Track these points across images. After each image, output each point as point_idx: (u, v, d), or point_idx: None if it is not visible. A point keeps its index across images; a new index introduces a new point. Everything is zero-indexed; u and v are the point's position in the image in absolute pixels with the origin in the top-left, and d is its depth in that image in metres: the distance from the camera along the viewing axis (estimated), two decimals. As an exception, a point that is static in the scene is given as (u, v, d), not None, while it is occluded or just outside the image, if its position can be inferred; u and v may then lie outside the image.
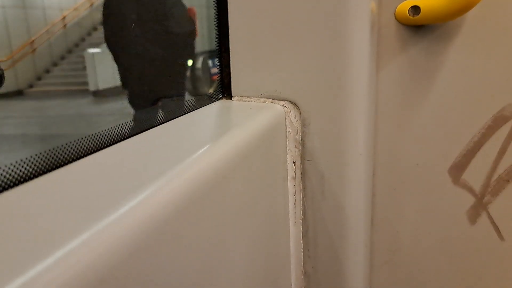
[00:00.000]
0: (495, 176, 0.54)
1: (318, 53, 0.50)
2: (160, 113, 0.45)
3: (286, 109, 0.53)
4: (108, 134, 0.40)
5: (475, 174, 0.55)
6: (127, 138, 0.41)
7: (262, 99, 0.56)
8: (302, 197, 0.57)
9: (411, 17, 0.50)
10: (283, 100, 0.54)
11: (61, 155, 0.34)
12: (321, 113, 0.52)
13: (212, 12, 0.56)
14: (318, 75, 0.51)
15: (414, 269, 0.62)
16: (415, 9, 0.50)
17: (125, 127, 0.41)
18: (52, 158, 0.33)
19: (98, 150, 0.37)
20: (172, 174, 0.31)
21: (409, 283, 0.63)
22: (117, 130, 0.40)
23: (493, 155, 0.53)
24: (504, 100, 0.51)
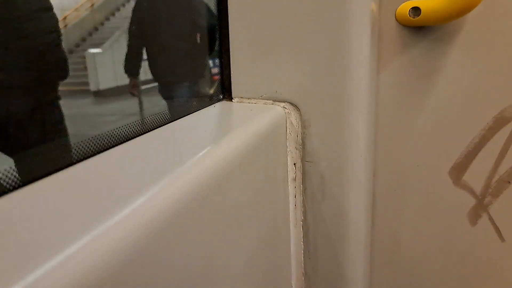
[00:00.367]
0: (496, 177, 0.54)
1: (319, 55, 0.50)
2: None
3: (286, 110, 0.53)
4: (115, 134, 0.40)
5: (476, 175, 0.55)
6: (128, 139, 0.41)
7: (263, 101, 0.56)
8: (303, 199, 0.57)
9: (411, 18, 0.50)
10: (284, 101, 0.54)
11: (62, 156, 0.34)
12: (321, 115, 0.52)
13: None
14: (318, 77, 0.51)
15: (414, 270, 0.62)
16: (416, 10, 0.50)
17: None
18: (53, 159, 0.33)
19: (99, 152, 0.37)
20: (173, 176, 0.31)
21: (410, 284, 0.63)
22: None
23: (494, 156, 0.53)
24: (504, 101, 0.51)
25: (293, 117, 0.53)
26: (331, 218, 0.56)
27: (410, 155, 0.57)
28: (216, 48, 0.58)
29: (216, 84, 0.58)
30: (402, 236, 0.61)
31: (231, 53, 0.56)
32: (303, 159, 0.55)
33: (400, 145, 0.57)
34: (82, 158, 0.36)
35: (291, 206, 0.56)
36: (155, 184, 0.29)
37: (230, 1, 0.54)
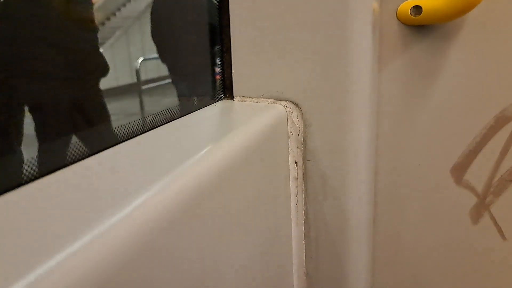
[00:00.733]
0: (497, 176, 0.54)
1: (320, 53, 0.50)
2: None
3: (288, 109, 0.53)
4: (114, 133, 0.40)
5: (477, 174, 0.54)
6: (128, 138, 0.41)
7: (264, 100, 0.56)
8: (304, 198, 0.57)
9: (413, 17, 0.50)
10: (285, 100, 0.54)
11: (62, 156, 0.34)
12: (323, 114, 0.52)
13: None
14: (320, 75, 0.51)
15: (416, 269, 0.62)
16: (417, 9, 0.50)
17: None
18: (54, 159, 0.33)
19: (101, 150, 0.37)
20: (174, 175, 0.31)
21: (412, 283, 0.62)
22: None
23: (495, 155, 0.53)
24: (506, 100, 0.51)
25: (295, 116, 0.53)
26: (332, 217, 0.56)
27: (412, 154, 0.57)
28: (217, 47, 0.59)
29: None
30: (404, 235, 0.61)
31: (232, 52, 0.56)
32: (304, 158, 0.55)
33: (401, 144, 0.57)
34: (83, 156, 0.36)
35: (293, 205, 0.56)
36: (156, 183, 0.29)
37: (231, 0, 0.54)
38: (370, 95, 0.52)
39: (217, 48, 0.60)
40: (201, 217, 0.32)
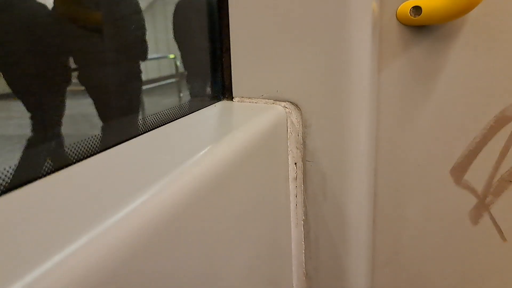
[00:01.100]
0: (497, 177, 0.54)
1: (320, 54, 0.50)
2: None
3: (287, 110, 0.53)
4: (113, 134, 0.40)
5: (477, 175, 0.54)
6: (128, 139, 0.41)
7: (263, 100, 0.56)
8: (304, 198, 0.56)
9: (412, 17, 0.50)
10: (284, 101, 0.54)
11: (63, 156, 0.34)
12: (322, 114, 0.52)
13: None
14: (319, 76, 0.51)
15: (416, 270, 0.61)
16: (417, 9, 0.50)
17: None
18: (54, 159, 0.33)
19: (100, 151, 0.37)
20: (173, 176, 0.31)
21: (411, 284, 0.62)
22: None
23: (495, 155, 0.53)
24: (506, 101, 0.51)
25: (294, 117, 0.53)
26: (332, 218, 0.55)
27: (411, 154, 0.57)
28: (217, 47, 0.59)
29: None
30: (404, 236, 0.61)
31: (232, 52, 0.56)
32: (304, 159, 0.55)
33: (401, 144, 0.57)
34: (83, 157, 0.36)
35: (292, 206, 0.56)
36: (155, 184, 0.29)
37: (231, 0, 0.54)
38: (370, 95, 0.52)
39: (216, 48, 0.60)
40: (200, 218, 0.32)
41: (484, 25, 0.50)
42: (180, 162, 0.33)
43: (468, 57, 0.51)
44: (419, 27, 0.52)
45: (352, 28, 0.49)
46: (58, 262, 0.20)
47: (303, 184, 0.56)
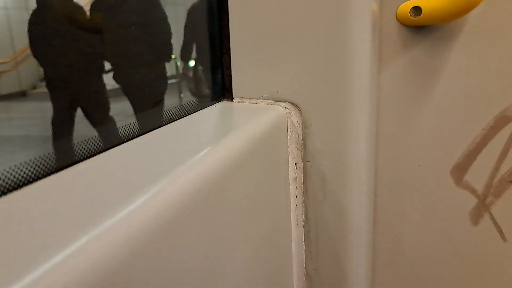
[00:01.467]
0: (498, 177, 0.54)
1: (320, 54, 0.50)
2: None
3: (287, 110, 0.53)
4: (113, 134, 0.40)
5: (477, 175, 0.54)
6: (128, 140, 0.41)
7: (263, 101, 0.56)
8: (304, 199, 0.57)
9: (412, 17, 0.50)
10: (284, 101, 0.54)
11: (63, 157, 0.34)
12: (322, 115, 0.52)
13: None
14: (319, 76, 0.51)
15: (416, 270, 0.61)
16: (417, 9, 0.50)
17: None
18: (54, 160, 0.33)
19: (100, 152, 0.37)
20: (173, 176, 0.31)
21: (412, 284, 0.62)
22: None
23: (495, 156, 0.53)
24: (506, 101, 0.51)
25: (294, 117, 0.53)
26: (332, 218, 0.55)
27: (412, 155, 0.57)
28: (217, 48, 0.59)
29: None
30: (404, 236, 0.61)
31: (231, 53, 0.56)
32: (304, 159, 0.55)
33: (401, 145, 0.57)
34: (83, 157, 0.36)
35: (292, 206, 0.56)
36: (155, 184, 0.29)
37: (230, 1, 0.54)
38: (370, 96, 0.52)
39: (216, 49, 0.60)
40: (200, 218, 0.32)
41: (484, 25, 0.50)
42: (180, 162, 0.33)
43: (468, 57, 0.51)
44: (419, 27, 0.52)
45: (352, 28, 0.49)
46: (58, 263, 0.20)
47: (303, 185, 0.56)
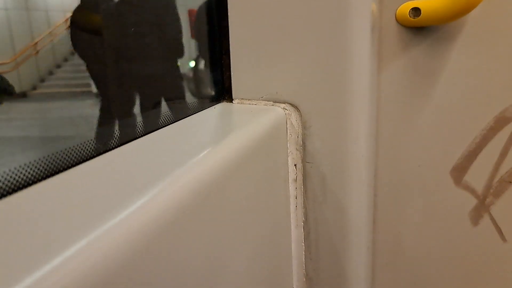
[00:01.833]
0: (497, 178, 0.54)
1: (319, 56, 0.50)
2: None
3: (287, 111, 0.53)
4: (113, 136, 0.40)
5: (477, 176, 0.54)
6: (128, 141, 0.41)
7: (263, 102, 0.56)
8: (304, 200, 0.57)
9: (411, 18, 0.50)
10: (284, 102, 0.54)
11: (63, 158, 0.34)
12: (322, 115, 0.52)
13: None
14: (318, 78, 0.51)
15: (416, 270, 0.61)
16: (416, 10, 0.50)
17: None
18: (55, 161, 0.33)
19: (100, 153, 0.37)
20: (173, 178, 0.31)
21: (412, 285, 0.62)
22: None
23: (495, 156, 0.53)
24: (506, 101, 0.51)
25: (294, 118, 0.53)
26: (332, 219, 0.56)
27: (411, 155, 0.57)
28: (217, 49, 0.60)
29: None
30: (404, 237, 0.61)
31: (231, 54, 0.56)
32: (303, 160, 0.55)
33: (401, 145, 0.57)
34: (83, 159, 0.36)
35: (292, 207, 0.56)
36: (155, 185, 0.29)
37: (230, 2, 0.54)
38: (369, 96, 0.52)
39: (216, 50, 0.60)
40: (199, 219, 0.32)
41: (484, 26, 0.50)
42: (180, 164, 0.33)
43: (468, 58, 0.51)
44: (418, 28, 0.53)
45: (351, 29, 0.49)
46: (58, 264, 0.20)
47: (303, 186, 0.56)
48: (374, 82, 0.54)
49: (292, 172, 0.55)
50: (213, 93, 0.61)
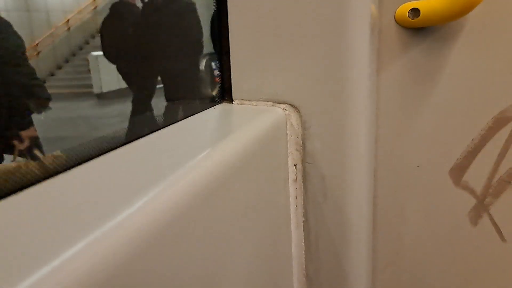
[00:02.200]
0: (496, 178, 0.54)
1: (319, 56, 0.51)
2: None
3: (286, 112, 0.53)
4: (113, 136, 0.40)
5: (476, 176, 0.55)
6: (129, 142, 0.41)
7: (263, 102, 0.56)
8: (304, 200, 0.57)
9: (411, 19, 0.50)
10: (284, 103, 0.54)
11: (63, 159, 0.35)
12: (321, 116, 0.53)
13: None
14: (318, 78, 0.51)
15: (416, 270, 0.62)
16: (415, 11, 0.50)
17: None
18: (55, 162, 0.34)
19: (100, 154, 0.38)
20: (173, 179, 0.31)
21: (412, 285, 0.62)
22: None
23: (494, 156, 0.53)
24: (504, 102, 0.51)
25: (294, 119, 0.53)
26: (332, 219, 0.56)
27: (411, 155, 0.57)
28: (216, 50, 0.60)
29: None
30: (404, 237, 0.61)
31: (231, 55, 0.56)
32: (303, 161, 0.55)
33: (400, 146, 0.57)
34: (83, 160, 0.36)
35: (292, 208, 0.56)
36: (156, 186, 0.29)
37: (230, 2, 0.54)
38: (369, 97, 0.52)
39: (216, 51, 0.60)
40: (199, 220, 0.32)
41: (483, 26, 0.50)
42: (180, 164, 0.33)
43: (467, 59, 0.52)
44: (417, 29, 0.53)
45: (350, 30, 0.49)
46: (58, 265, 0.20)
47: (303, 186, 0.56)
48: (373, 82, 0.54)
49: (292, 173, 0.55)
50: (213, 93, 0.62)
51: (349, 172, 0.53)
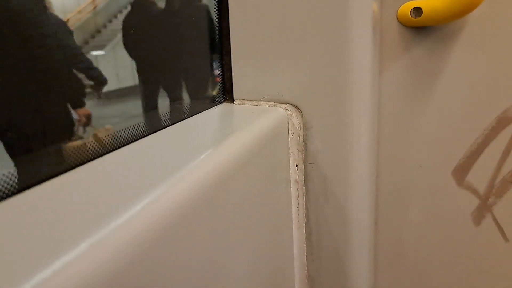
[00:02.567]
0: (499, 178, 0.53)
1: (320, 56, 0.50)
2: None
3: (288, 112, 0.53)
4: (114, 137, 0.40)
5: (479, 176, 0.54)
6: (129, 142, 0.41)
7: (264, 103, 0.56)
8: (305, 201, 0.56)
9: (413, 18, 0.50)
10: (285, 103, 0.54)
11: (64, 160, 0.34)
12: (323, 116, 0.52)
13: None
14: (320, 78, 0.51)
15: (418, 271, 0.61)
16: (417, 10, 0.49)
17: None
18: (55, 163, 0.33)
19: (101, 154, 0.37)
20: (175, 179, 0.31)
21: (414, 286, 0.62)
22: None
23: (497, 156, 0.53)
24: (508, 101, 0.51)
25: (295, 119, 0.53)
26: (334, 220, 0.55)
27: (413, 156, 0.57)
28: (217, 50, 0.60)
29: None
30: (406, 237, 0.61)
31: (232, 55, 0.56)
32: (305, 161, 0.55)
33: (402, 146, 0.57)
34: (84, 160, 0.36)
35: (294, 208, 0.56)
36: (157, 187, 0.29)
37: (230, 2, 0.54)
38: (371, 97, 0.52)
39: (217, 51, 0.60)
40: (201, 220, 0.32)
41: (485, 26, 0.50)
42: (181, 164, 0.33)
43: (469, 58, 0.51)
44: (419, 28, 0.52)
45: (352, 29, 0.49)
46: (61, 267, 0.20)
47: (305, 186, 0.56)
48: (375, 82, 0.54)
49: (293, 173, 0.55)
50: (214, 93, 0.61)
51: (351, 172, 0.53)
